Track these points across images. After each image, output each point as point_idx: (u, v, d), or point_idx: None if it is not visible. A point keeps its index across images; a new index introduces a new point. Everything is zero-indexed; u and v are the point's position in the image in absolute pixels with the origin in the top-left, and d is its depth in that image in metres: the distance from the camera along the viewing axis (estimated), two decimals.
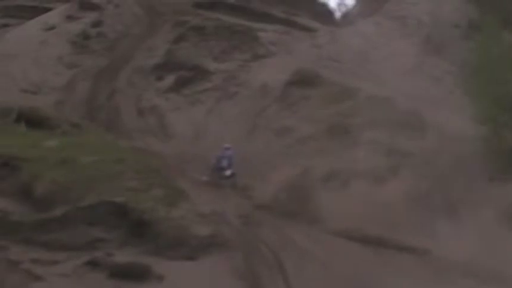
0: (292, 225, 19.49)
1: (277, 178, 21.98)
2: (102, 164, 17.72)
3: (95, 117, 29.99)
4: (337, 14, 58.08)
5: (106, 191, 16.46)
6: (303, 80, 26.96)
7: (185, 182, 20.53)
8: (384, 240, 18.56)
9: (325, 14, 53.38)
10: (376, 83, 28.36)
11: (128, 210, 16.29)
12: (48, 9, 44.24)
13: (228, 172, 22.43)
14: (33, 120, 21.57)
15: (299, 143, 23.74)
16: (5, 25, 42.74)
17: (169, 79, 32.22)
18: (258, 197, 21.31)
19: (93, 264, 15.09)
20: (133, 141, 26.21)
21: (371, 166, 21.67)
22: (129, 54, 36.33)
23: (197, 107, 29.80)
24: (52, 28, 39.61)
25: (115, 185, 16.87)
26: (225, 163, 22.60)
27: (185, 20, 37.98)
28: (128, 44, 37.60)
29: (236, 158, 22.77)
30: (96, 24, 39.59)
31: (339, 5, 59.49)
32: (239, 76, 31.42)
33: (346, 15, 53.42)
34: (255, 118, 26.66)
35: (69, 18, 40.77)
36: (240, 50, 34.21)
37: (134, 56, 35.85)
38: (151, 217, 16.26)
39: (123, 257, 15.42)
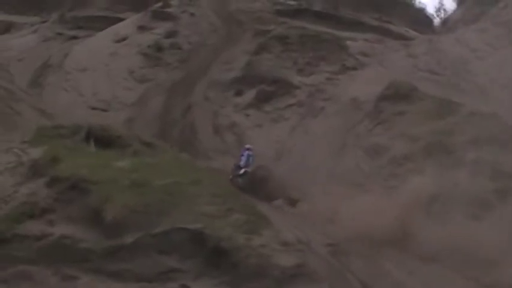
0: (384, 254, 19.35)
1: (367, 201, 21.41)
2: (176, 187, 17.53)
3: (168, 135, 31.01)
4: (436, 21, 57.87)
5: (181, 216, 16.35)
6: (398, 94, 26.66)
7: (266, 206, 20.62)
8: (483, 275, 18.19)
9: (423, 20, 53.17)
10: (480, 96, 27.95)
11: (204, 237, 16.04)
12: (119, 20, 45.93)
13: (241, 171, 24.43)
14: (103, 139, 21.63)
15: (393, 163, 23.64)
16: (74, 37, 44.62)
17: (249, 94, 32.94)
18: (346, 223, 20.78)
19: None
20: (210, 161, 27.08)
21: (474, 190, 21.09)
22: (205, 66, 37.31)
23: (280, 124, 30.40)
24: (123, 39, 41.25)
25: (190, 209, 16.65)
26: (242, 162, 24.90)
27: (267, 29, 38.62)
28: (204, 55, 38.68)
29: (255, 158, 24.81)
30: (170, 34, 40.92)
31: (438, 10, 59.35)
32: (326, 90, 31.73)
33: (445, 22, 52.99)
34: (344, 136, 26.78)
35: (141, 28, 42.23)
36: (327, 61, 34.44)
37: (211, 68, 36.74)
38: (229, 245, 15.94)
39: None
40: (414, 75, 30.98)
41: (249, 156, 25.10)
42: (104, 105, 34.88)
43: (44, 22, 48.38)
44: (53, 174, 17.27)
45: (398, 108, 25.90)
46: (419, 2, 57.33)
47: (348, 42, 37.14)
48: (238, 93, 33.33)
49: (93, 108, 34.37)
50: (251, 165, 24.88)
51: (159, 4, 44.64)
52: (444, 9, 58.72)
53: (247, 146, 25.96)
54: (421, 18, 53.47)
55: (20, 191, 16.77)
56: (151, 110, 34.01)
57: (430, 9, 59.05)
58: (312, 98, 31.19)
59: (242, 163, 25.03)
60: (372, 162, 23.93)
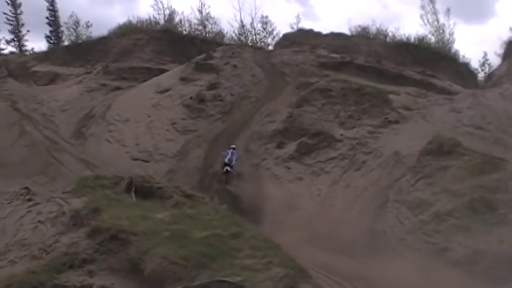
0: None
1: (409, 258, 21.55)
2: (216, 239, 17.32)
3: (209, 186, 31.00)
4: (480, 75, 57.76)
5: (220, 269, 15.98)
6: (441, 149, 26.58)
7: (306, 260, 20.79)
8: None
9: (467, 75, 53.14)
10: None
11: None
12: (162, 71, 46.90)
13: (224, 168, 30.86)
14: (144, 190, 21.93)
15: (436, 219, 23.33)
16: (117, 88, 45.60)
17: (291, 146, 33.01)
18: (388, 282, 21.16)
19: None
20: (250, 213, 26.55)
21: None
22: (247, 118, 37.90)
23: (321, 177, 30.33)
24: (166, 91, 42.05)
25: (230, 262, 16.36)
26: (226, 158, 31.14)
27: (309, 81, 38.97)
28: (246, 107, 39.31)
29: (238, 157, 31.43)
30: (213, 86, 41.64)
31: (482, 65, 59.35)
32: (368, 144, 31.77)
33: (490, 76, 52.90)
34: (386, 190, 26.63)
35: (184, 80, 43.08)
36: (370, 114, 34.60)
37: (253, 120, 37.24)
38: None
39: None
40: (458, 130, 30.78)
41: (232, 154, 31.34)
42: (145, 156, 35.32)
43: (88, 73, 49.54)
44: (94, 224, 17.47)
45: (441, 163, 25.81)
46: (464, 57, 57.49)
47: (391, 96, 37.20)
48: (280, 146, 33.48)
49: (135, 159, 34.79)
50: (233, 161, 31.11)
51: (202, 56, 45.44)
52: (488, 64, 58.82)
53: (232, 146, 32.19)
54: (465, 73, 53.45)
55: (61, 241, 16.96)
56: (192, 162, 34.30)
57: (475, 64, 59.06)
58: (353, 152, 31.22)
59: (226, 160, 31.14)
60: (415, 217, 23.74)
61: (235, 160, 31.66)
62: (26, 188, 21.37)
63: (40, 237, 17.25)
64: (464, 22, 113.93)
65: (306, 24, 64.73)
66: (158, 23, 60.92)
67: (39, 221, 18.31)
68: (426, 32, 59.49)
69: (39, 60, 55.84)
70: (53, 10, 65.53)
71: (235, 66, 44.08)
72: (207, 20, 61.69)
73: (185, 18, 61.78)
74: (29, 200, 20.24)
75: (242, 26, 61.84)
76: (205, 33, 60.57)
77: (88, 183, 21.90)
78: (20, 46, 64.52)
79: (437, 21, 60.52)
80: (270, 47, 58.60)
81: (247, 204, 28.16)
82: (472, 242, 21.28)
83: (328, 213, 27.09)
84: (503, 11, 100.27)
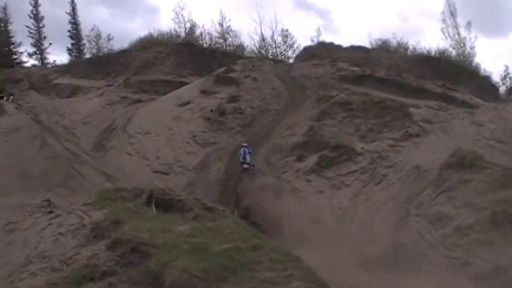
0: None
1: (431, 273, 21.47)
2: (236, 252, 17.07)
3: (229, 199, 31.10)
4: (502, 89, 57.48)
5: (240, 282, 15.85)
6: (462, 162, 26.21)
7: (327, 274, 20.66)
8: None
9: (488, 88, 52.95)
10: None
11: None
12: (183, 84, 47.13)
13: (243, 166, 33.03)
14: (164, 202, 21.96)
15: (457, 233, 22.82)
16: (138, 100, 45.94)
17: (311, 159, 32.93)
18: None
19: None
20: (270, 226, 26.55)
21: None
22: (267, 131, 37.98)
23: (342, 191, 30.17)
24: (186, 103, 42.29)
25: (250, 275, 16.17)
26: (241, 157, 33.21)
27: (330, 94, 38.93)
28: (267, 120, 39.39)
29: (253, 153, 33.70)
30: (233, 99, 41.87)
31: (504, 78, 59.07)
32: (389, 157, 31.59)
33: (511, 90, 52.63)
34: (407, 204, 26.34)
35: (205, 93, 43.33)
36: (391, 128, 34.43)
37: (273, 133, 37.29)
38: None
39: None
40: (479, 143, 30.69)
41: (244, 152, 33.23)
42: (166, 168, 35.46)
43: (109, 86, 49.94)
44: (114, 237, 17.49)
45: (463, 176, 25.58)
46: (485, 70, 57.28)
47: (412, 109, 37.10)
48: (300, 159, 33.38)
49: (156, 172, 34.93)
50: (248, 159, 33.14)
51: (223, 69, 45.64)
52: (510, 77, 58.55)
53: (244, 144, 34.11)
54: (486, 86, 53.29)
55: (81, 253, 16.99)
56: (212, 174, 34.42)
57: (496, 77, 58.83)
58: (374, 165, 31.06)
59: (241, 159, 33.12)
60: (436, 231, 23.53)
61: (249, 155, 33.50)
62: (47, 200, 21.49)
63: (61, 250, 17.31)
64: (485, 35, 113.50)
65: (326, 38, 64.98)
66: (179, 36, 61.30)
67: (60, 233, 18.38)
68: (447, 46, 59.44)
69: (60, 73, 56.43)
70: (74, 23, 66.21)
71: (255, 79, 44.23)
72: (228, 33, 62.06)
73: (206, 31, 62.18)
74: (50, 212, 20.33)
75: (262, 39, 62.11)
76: (226, 46, 60.90)
77: (109, 196, 21.95)
78: (42, 59, 65.23)
79: (458, 34, 60.41)
80: (291, 60, 58.78)
81: (268, 217, 28.18)
82: (493, 256, 20.95)
83: (348, 226, 26.96)
84: None
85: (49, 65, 63.51)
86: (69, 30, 66.10)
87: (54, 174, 27.19)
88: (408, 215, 25.40)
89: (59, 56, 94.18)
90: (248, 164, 33.21)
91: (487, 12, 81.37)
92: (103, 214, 19.21)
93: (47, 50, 65.40)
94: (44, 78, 54.44)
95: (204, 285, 15.84)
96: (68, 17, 66.07)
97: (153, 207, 21.15)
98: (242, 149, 33.51)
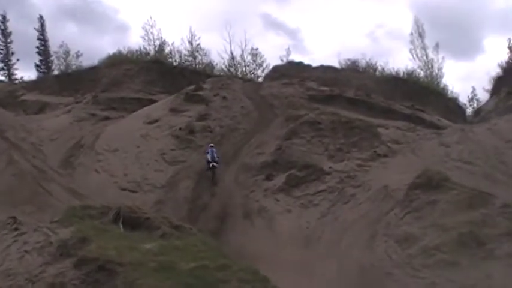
0: None
1: None
2: (203, 271, 17.08)
3: (197, 218, 30.94)
4: (469, 110, 58.32)
5: None
6: (430, 183, 26.19)
7: None
8: None
9: (455, 109, 53.72)
10: None
11: None
12: (152, 102, 47.06)
13: (210, 165, 34.36)
14: (132, 220, 21.90)
15: (424, 253, 22.64)
16: (107, 118, 45.72)
17: (280, 179, 32.95)
18: None
19: None
20: (238, 245, 26.83)
21: (508, 283, 20.28)
22: (236, 150, 38.07)
23: (310, 210, 30.16)
24: (155, 121, 42.19)
25: None
26: (209, 157, 34.54)
27: (298, 114, 39.24)
28: (236, 139, 39.46)
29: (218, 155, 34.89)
30: (202, 117, 41.87)
31: (471, 100, 59.95)
32: (357, 177, 31.73)
33: (478, 112, 53.45)
34: (374, 224, 26.29)
35: (174, 111, 43.29)
36: (359, 147, 34.72)
37: (242, 152, 37.45)
38: None
39: None
40: (446, 164, 30.86)
41: (212, 152, 34.72)
42: (134, 186, 35.16)
43: (77, 102, 49.67)
44: (81, 255, 17.34)
45: (430, 197, 25.69)
46: (452, 92, 58.12)
47: (380, 129, 37.48)
48: (269, 178, 33.42)
49: (123, 189, 34.65)
50: (216, 158, 34.56)
51: (192, 87, 45.67)
52: (477, 99, 59.48)
53: (211, 144, 35.92)
54: (453, 107, 54.05)
55: (47, 271, 16.81)
56: (181, 193, 34.13)
57: (463, 99, 59.76)
58: (342, 185, 31.22)
59: (209, 158, 34.56)
60: (403, 252, 23.58)
61: (217, 156, 34.93)
62: (13, 217, 21.19)
63: (26, 267, 17.10)
64: (453, 58, 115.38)
65: (295, 57, 65.36)
66: (148, 54, 61.34)
67: (26, 251, 18.17)
68: (415, 67, 60.17)
69: (28, 89, 56.11)
70: (43, 39, 65.94)
71: (224, 97, 44.34)
72: (197, 51, 62.22)
73: (175, 49, 62.28)
74: (16, 229, 20.07)
75: (232, 57, 62.40)
76: (195, 65, 61.04)
77: (76, 213, 21.84)
78: (10, 75, 64.87)
79: (426, 56, 61.27)
80: (260, 79, 59.03)
81: (236, 237, 28.21)
82: (460, 277, 21.00)
83: (316, 246, 27.04)
84: (491, 48, 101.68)
85: (16, 81, 63.22)
86: (37, 47, 65.88)
87: (21, 191, 26.89)
88: (376, 235, 25.44)
89: (26, 72, 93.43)
90: (216, 162, 34.58)
91: (454, 35, 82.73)
92: (70, 232, 19.05)
93: (15, 66, 65.17)
94: (11, 94, 54.05)
95: None
96: (37, 33, 65.82)
97: (121, 225, 21.06)
98: (210, 149, 34.97)
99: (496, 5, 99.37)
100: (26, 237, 19.19)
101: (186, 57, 61.85)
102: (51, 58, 65.81)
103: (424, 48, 61.88)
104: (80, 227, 19.66)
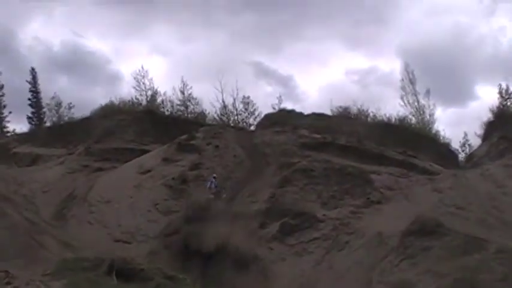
0: None
1: None
2: None
3: (191, 268, 30.51)
4: (461, 156, 58.47)
5: None
6: (423, 229, 26.47)
7: None
8: None
9: (448, 155, 53.78)
10: (508, 233, 27.78)
11: None
12: (145, 152, 47.05)
13: (211, 195, 36.29)
14: (125, 272, 21.88)
15: None
16: (99, 169, 45.57)
17: (273, 227, 33.05)
18: None
19: None
20: None
21: None
22: (229, 198, 37.77)
23: (304, 258, 30.27)
24: (148, 171, 42.12)
25: None
26: (207, 186, 37.13)
27: (291, 161, 39.40)
28: (229, 188, 39.31)
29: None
30: (195, 166, 41.83)
31: (463, 145, 60.12)
32: (351, 224, 31.84)
33: (470, 157, 53.57)
34: (369, 271, 26.38)
35: (166, 160, 43.25)
36: (352, 195, 34.87)
37: (235, 200, 37.32)
38: None
39: None
40: (440, 210, 31.02)
41: (211, 182, 37.09)
42: (127, 237, 35.10)
43: (70, 154, 49.55)
44: None
45: (424, 243, 25.86)
46: (444, 137, 58.29)
47: (373, 176, 37.60)
48: (262, 226, 33.51)
49: (117, 241, 34.59)
50: (214, 187, 36.81)
51: (184, 136, 45.70)
52: (469, 145, 59.59)
53: (214, 175, 38.08)
54: (446, 153, 54.09)
55: None
56: (175, 243, 33.84)
57: (455, 144, 59.93)
58: (336, 232, 31.31)
59: (207, 187, 36.96)
60: None
61: (215, 187, 37.12)
62: (5, 271, 21.14)
63: None
64: (443, 104, 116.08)
65: (287, 105, 65.41)
66: (140, 104, 61.33)
67: None
68: (407, 113, 60.35)
69: (20, 141, 55.98)
70: (35, 91, 65.96)
71: (217, 146, 44.43)
72: (189, 100, 62.21)
73: (167, 99, 62.25)
74: (8, 283, 19.96)
75: (224, 106, 62.37)
76: (187, 114, 61.06)
77: (68, 266, 21.79)
78: (2, 127, 64.64)
79: (418, 102, 61.46)
80: (252, 127, 59.10)
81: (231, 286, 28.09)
82: None
83: None
84: (482, 93, 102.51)
85: (8, 134, 63.06)
86: (29, 99, 65.86)
87: (13, 245, 26.72)
88: (371, 282, 25.48)
89: (18, 124, 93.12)
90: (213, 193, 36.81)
91: (444, 81, 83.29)
92: (62, 285, 19.03)
93: (7, 119, 65.04)
94: (3, 147, 53.88)
95: None
96: (29, 86, 66.01)
97: (114, 277, 21.01)
98: (212, 179, 37.43)
99: (485, 51, 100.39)
100: None
101: (178, 107, 61.99)
102: (43, 110, 65.72)
103: (415, 94, 62.11)
104: (73, 280, 19.64)
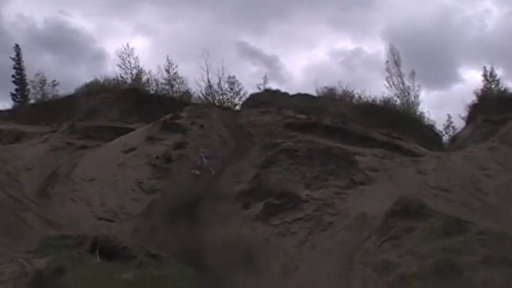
0: None
1: None
2: None
3: (174, 247, 30.44)
4: (445, 138, 58.81)
5: None
6: (406, 211, 26.38)
7: None
8: None
9: (432, 137, 54.12)
10: (490, 215, 27.95)
11: None
12: (129, 130, 46.89)
13: (197, 171, 37.49)
14: (108, 250, 21.88)
15: (402, 281, 22.58)
16: (83, 147, 45.37)
17: (257, 207, 32.96)
18: None
19: None
20: (216, 274, 26.66)
21: None
22: (213, 179, 37.79)
23: (287, 239, 30.20)
24: (132, 150, 42.00)
25: None
26: (199, 162, 37.57)
27: (275, 142, 39.38)
28: (213, 167, 39.25)
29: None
30: (179, 145, 41.70)
31: (447, 128, 60.46)
32: (334, 205, 31.82)
33: (454, 139, 53.92)
34: (352, 252, 26.28)
35: (151, 139, 43.14)
36: (336, 175, 34.86)
37: (219, 181, 37.27)
38: None
39: None
40: (423, 192, 31.09)
41: (201, 157, 38.10)
42: (110, 215, 35.01)
43: (54, 131, 49.30)
44: (57, 285, 17.31)
45: (407, 224, 25.84)
46: (428, 119, 58.57)
47: (357, 157, 37.62)
48: (246, 206, 33.44)
49: (100, 219, 34.50)
50: (205, 163, 37.84)
51: (169, 115, 45.54)
52: (453, 127, 59.96)
53: (202, 150, 38.87)
54: (430, 135, 54.43)
55: None
56: (157, 221, 33.93)
57: (439, 127, 60.22)
58: (320, 212, 31.28)
59: (199, 163, 37.89)
60: (381, 279, 23.61)
61: (206, 160, 38.08)
62: None
63: None
64: (427, 86, 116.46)
65: (272, 85, 65.45)
66: (125, 82, 61.21)
67: (1, 282, 18.07)
68: (391, 94, 60.61)
69: (4, 118, 55.74)
70: (19, 69, 65.54)
71: (202, 126, 44.31)
72: (175, 79, 62.19)
73: (152, 78, 62.22)
74: None
75: (209, 86, 62.40)
76: (173, 93, 61.01)
77: (52, 243, 21.77)
78: None
79: (403, 83, 61.73)
80: (237, 107, 59.11)
81: (213, 265, 28.10)
82: None
83: (294, 275, 27.00)
84: (465, 76, 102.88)
85: None
86: (13, 76, 65.44)
87: None
88: (353, 263, 25.49)
89: (2, 101, 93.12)
90: (198, 169, 37.63)
91: (428, 63, 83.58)
92: (45, 262, 19.01)
93: None
94: None
95: None
96: (13, 63, 65.49)
97: (97, 255, 21.03)
98: (200, 155, 37.93)
99: (469, 34, 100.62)
100: (2, 267, 19.09)
101: (163, 86, 61.91)
102: (27, 87, 65.42)
103: (400, 76, 62.44)
104: (56, 257, 19.62)
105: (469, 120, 54.60)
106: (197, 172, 37.21)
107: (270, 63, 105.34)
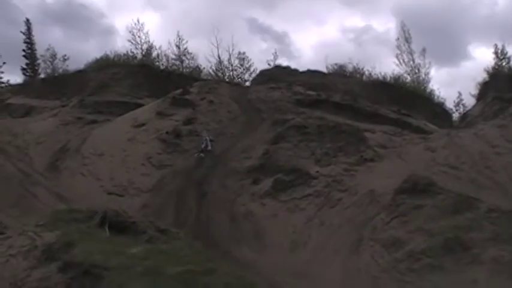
0: None
1: None
2: (189, 275, 16.88)
3: (183, 222, 30.78)
4: (455, 115, 58.57)
5: None
6: (415, 188, 26.27)
7: None
8: None
9: (442, 114, 53.90)
10: (500, 193, 27.83)
11: None
12: (139, 105, 46.95)
13: (201, 154, 37.44)
14: (117, 224, 21.82)
15: (410, 258, 22.53)
16: (93, 121, 45.58)
17: (266, 183, 32.88)
18: None
19: None
20: (225, 250, 26.77)
21: None
22: (222, 154, 37.96)
23: (296, 215, 30.05)
24: (142, 125, 42.15)
25: None
26: (203, 145, 37.38)
27: (285, 118, 39.24)
28: (222, 143, 39.37)
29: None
30: (189, 121, 41.91)
31: (457, 105, 60.23)
32: (344, 181, 31.66)
33: (464, 117, 53.68)
34: (361, 228, 26.20)
35: (160, 114, 43.28)
36: (345, 152, 34.64)
37: (228, 156, 37.34)
38: None
39: None
40: (433, 169, 30.85)
41: (206, 140, 37.64)
42: (120, 190, 35.14)
43: (64, 106, 49.48)
44: (66, 259, 17.25)
45: (416, 201, 25.71)
46: (439, 97, 58.30)
47: (366, 134, 37.47)
48: (255, 182, 33.32)
49: (110, 193, 34.65)
50: (209, 147, 37.43)
51: (179, 91, 45.57)
52: (463, 104, 59.76)
53: (205, 133, 38.72)
54: (440, 112, 54.21)
55: (32, 275, 16.70)
56: (167, 196, 34.09)
57: (449, 104, 60.02)
58: (329, 189, 31.11)
59: (203, 146, 37.47)
60: (389, 256, 23.57)
61: (211, 143, 37.85)
62: None
63: (11, 271, 16.98)
64: (437, 64, 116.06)
65: (282, 62, 65.25)
66: (135, 58, 61.21)
67: (11, 255, 18.04)
68: (402, 72, 60.34)
69: (14, 92, 55.88)
70: (29, 43, 65.59)
71: (211, 101, 44.34)
72: (185, 55, 62.20)
73: (162, 53, 62.24)
74: (1, 233, 19.94)
75: (219, 61, 62.37)
76: (183, 69, 61.03)
77: (61, 217, 21.75)
78: None
79: (413, 60, 61.48)
80: (247, 83, 59.01)
81: (222, 240, 28.15)
82: (445, 282, 20.92)
83: (302, 251, 26.99)
84: (476, 54, 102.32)
85: (2, 85, 62.73)
86: (23, 50, 65.46)
87: (6, 195, 26.72)
88: (362, 239, 25.43)
89: (12, 75, 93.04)
90: (202, 152, 37.59)
91: (439, 40, 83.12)
92: (55, 236, 18.95)
93: (1, 69, 64.61)
94: None
95: None
96: (23, 37, 65.48)
97: (106, 229, 20.98)
98: (204, 138, 37.69)
99: (480, 11, 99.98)
100: (11, 241, 19.06)
101: (173, 61, 61.86)
102: (38, 61, 65.51)
103: (410, 53, 62.25)
104: (66, 231, 19.57)
105: (480, 97, 54.30)
106: (202, 155, 37.14)
107: (280, 39, 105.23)
